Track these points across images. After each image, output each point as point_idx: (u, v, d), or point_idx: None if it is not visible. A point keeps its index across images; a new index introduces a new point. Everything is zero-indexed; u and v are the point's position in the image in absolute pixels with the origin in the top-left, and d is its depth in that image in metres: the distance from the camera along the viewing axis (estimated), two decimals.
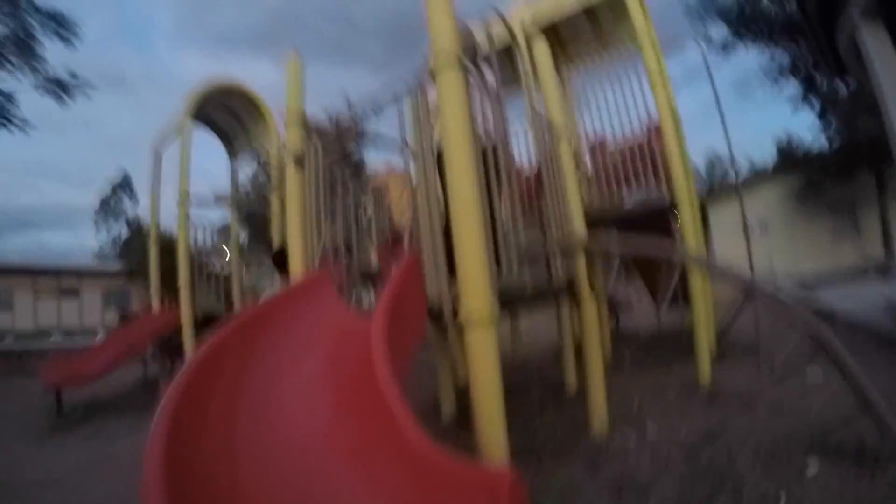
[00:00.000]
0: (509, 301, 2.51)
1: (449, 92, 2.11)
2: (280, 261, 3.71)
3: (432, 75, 2.17)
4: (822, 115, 17.20)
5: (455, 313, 2.03)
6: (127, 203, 40.40)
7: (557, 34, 5.74)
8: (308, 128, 3.12)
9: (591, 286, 3.14)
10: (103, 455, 4.18)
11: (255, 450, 1.34)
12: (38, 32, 10.09)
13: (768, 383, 3.61)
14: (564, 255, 2.98)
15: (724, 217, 18.81)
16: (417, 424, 1.24)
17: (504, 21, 3.06)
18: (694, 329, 4.23)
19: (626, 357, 5.52)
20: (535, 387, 4.56)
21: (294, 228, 3.04)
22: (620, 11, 5.13)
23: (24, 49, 10.03)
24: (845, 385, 2.06)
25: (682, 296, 5.51)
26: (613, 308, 7.34)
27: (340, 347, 1.92)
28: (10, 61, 10.03)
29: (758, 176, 20.54)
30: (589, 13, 5.53)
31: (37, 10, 9.74)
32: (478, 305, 1.95)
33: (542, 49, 3.74)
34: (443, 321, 2.15)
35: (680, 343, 5.56)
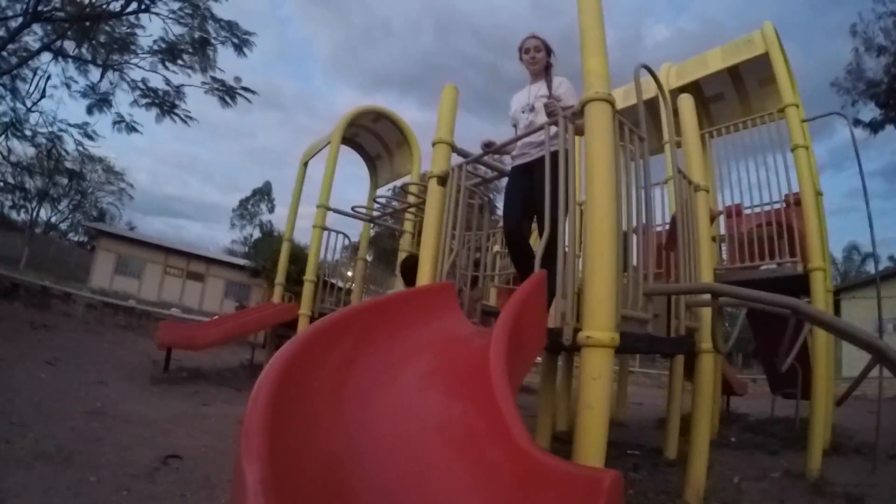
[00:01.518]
0: (624, 346, 2.49)
1: (597, 120, 2.23)
2: (407, 269, 3.91)
3: (581, 108, 2.32)
4: None
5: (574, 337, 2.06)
6: (263, 208, 44.96)
7: (701, 94, 5.69)
8: (455, 149, 3.35)
9: (714, 344, 3.02)
10: (197, 412, 4.36)
11: (358, 422, 1.38)
12: (214, 38, 10.83)
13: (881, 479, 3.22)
14: (689, 304, 2.92)
15: (856, 311, 16.93)
16: (524, 426, 1.28)
17: (652, 74, 3.15)
18: (813, 406, 3.91)
19: (732, 436, 5.13)
20: (631, 447, 4.37)
21: (428, 241, 3.16)
22: (766, 76, 5.03)
23: (198, 49, 10.78)
24: None
25: (802, 383, 5.11)
26: (727, 387, 6.84)
27: (454, 351, 1.98)
28: (183, 58, 10.84)
29: None
30: (733, 74, 5.46)
31: (214, 18, 10.67)
32: (599, 327, 1.97)
33: (687, 103, 3.75)
34: (559, 347, 2.19)
35: (790, 432, 5.18)
